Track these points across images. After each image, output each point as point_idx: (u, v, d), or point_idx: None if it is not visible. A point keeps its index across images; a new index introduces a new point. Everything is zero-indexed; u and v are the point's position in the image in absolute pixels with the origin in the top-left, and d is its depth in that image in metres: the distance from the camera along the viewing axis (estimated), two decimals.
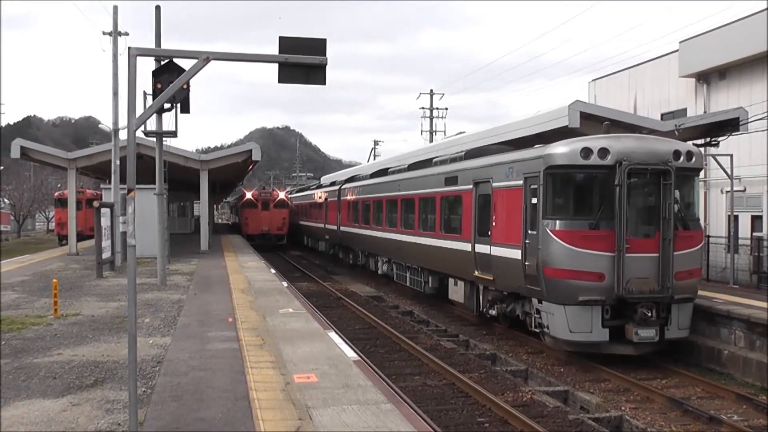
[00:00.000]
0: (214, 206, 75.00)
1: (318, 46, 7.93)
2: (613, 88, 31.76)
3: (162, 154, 21.99)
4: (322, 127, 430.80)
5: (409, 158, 30.41)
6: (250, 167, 41.11)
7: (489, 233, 16.74)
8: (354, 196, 32.20)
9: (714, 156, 21.52)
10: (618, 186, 13.72)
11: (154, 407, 8.14)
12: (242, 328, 13.09)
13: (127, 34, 26.97)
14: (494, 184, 16.57)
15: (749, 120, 18.47)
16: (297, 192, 56.21)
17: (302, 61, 7.85)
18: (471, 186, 17.99)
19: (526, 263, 14.81)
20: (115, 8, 26.34)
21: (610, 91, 31.78)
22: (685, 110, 26.32)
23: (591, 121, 17.87)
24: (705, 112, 24.61)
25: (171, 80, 10.70)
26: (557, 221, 14.15)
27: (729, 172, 20.82)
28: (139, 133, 16.15)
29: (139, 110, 7.49)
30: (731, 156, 20.92)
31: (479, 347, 16.52)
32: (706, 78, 25.63)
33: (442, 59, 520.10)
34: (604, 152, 13.88)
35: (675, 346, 14.86)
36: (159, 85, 11.95)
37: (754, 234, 22.74)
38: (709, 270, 21.43)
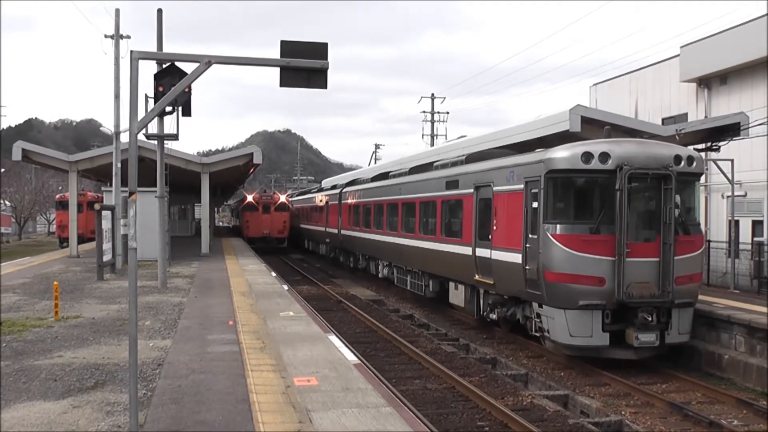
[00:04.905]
0: (215, 209, 75.01)
1: (319, 49, 7.94)
2: (615, 92, 31.75)
3: (163, 157, 22.04)
4: (323, 130, 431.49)
5: (410, 162, 30.41)
6: (251, 170, 41.17)
7: (490, 237, 16.74)
8: (355, 200, 32.20)
9: (715, 161, 21.52)
10: (619, 190, 13.73)
11: (154, 409, 8.16)
12: (243, 331, 13.11)
13: (128, 37, 26.98)
14: (495, 188, 16.58)
15: (750, 125, 18.47)
16: (298, 195, 56.20)
17: (304, 65, 7.86)
18: (472, 190, 18.00)
19: (527, 267, 14.82)
20: (117, 11, 26.36)
21: (612, 96, 31.77)
22: (686, 115, 26.32)
23: (592, 125, 17.86)
24: (706, 117, 24.58)
25: (173, 83, 10.70)
26: (558, 225, 14.15)
27: (730, 177, 20.82)
28: (141, 136, 16.15)
29: (141, 113, 7.52)
30: (732, 161, 20.91)
31: (479, 351, 16.52)
32: (707, 83, 25.65)
33: (444, 62, 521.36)
34: (605, 157, 13.90)
35: (675, 350, 14.85)
36: (161, 88, 11.97)
37: (755, 239, 22.74)
38: (709, 275, 21.42)
